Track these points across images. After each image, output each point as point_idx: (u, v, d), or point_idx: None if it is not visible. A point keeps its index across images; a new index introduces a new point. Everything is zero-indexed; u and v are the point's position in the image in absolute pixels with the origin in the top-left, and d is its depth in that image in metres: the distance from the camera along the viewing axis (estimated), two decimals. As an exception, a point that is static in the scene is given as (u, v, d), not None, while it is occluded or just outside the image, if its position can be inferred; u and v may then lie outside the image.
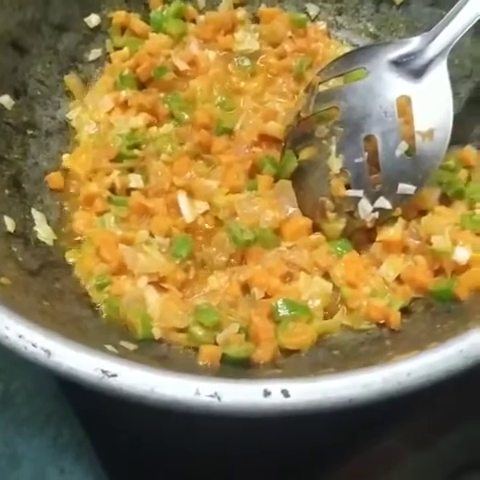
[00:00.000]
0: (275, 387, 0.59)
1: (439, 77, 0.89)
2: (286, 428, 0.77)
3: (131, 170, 0.99)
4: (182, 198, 0.93)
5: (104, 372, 0.60)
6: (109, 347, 0.73)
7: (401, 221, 0.89)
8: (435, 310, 0.84)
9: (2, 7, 0.99)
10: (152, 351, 0.81)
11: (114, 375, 0.60)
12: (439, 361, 0.62)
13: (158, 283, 0.87)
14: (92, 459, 0.86)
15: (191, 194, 0.95)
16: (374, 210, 0.89)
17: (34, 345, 0.62)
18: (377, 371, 0.61)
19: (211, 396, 0.59)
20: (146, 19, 1.13)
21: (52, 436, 0.86)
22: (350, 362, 0.77)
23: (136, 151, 0.99)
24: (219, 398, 0.59)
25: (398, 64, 0.91)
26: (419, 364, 0.61)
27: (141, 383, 0.60)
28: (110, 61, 1.11)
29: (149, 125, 1.03)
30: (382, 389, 0.60)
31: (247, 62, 1.11)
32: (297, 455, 0.87)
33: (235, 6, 1.17)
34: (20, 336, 0.63)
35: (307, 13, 1.17)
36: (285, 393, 0.59)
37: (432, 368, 0.61)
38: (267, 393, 0.59)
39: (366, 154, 0.90)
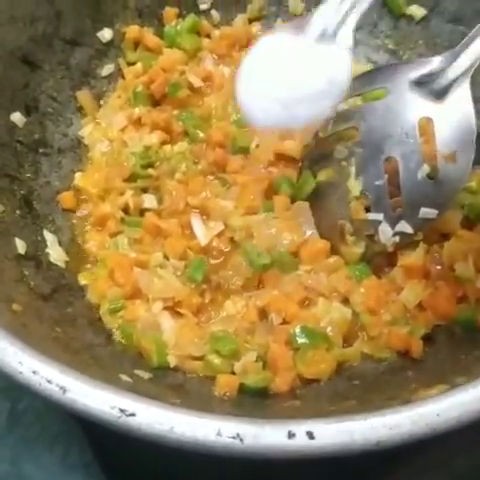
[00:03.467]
0: (300, 429, 0.57)
1: (462, 98, 0.86)
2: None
3: (145, 190, 0.97)
4: (196, 220, 0.92)
5: (122, 411, 0.58)
6: (123, 376, 0.71)
7: (422, 246, 0.87)
8: (458, 339, 0.82)
9: (13, 22, 0.97)
10: (167, 380, 0.79)
11: (132, 414, 0.58)
12: (470, 401, 0.59)
13: (173, 308, 0.85)
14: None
15: (206, 215, 0.93)
16: (395, 234, 0.87)
17: (49, 381, 0.60)
18: (405, 412, 0.58)
19: (233, 437, 0.57)
20: (160, 34, 1.12)
21: (60, 456, 0.84)
22: (372, 394, 0.75)
23: (150, 170, 0.97)
24: (241, 440, 0.57)
25: (419, 84, 0.88)
26: (449, 404, 0.59)
27: (160, 422, 0.58)
28: (123, 77, 1.10)
29: (163, 143, 1.02)
30: (411, 431, 0.57)
31: (263, 78, 1.09)
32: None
33: (250, 21, 1.16)
34: (34, 372, 0.61)
35: (324, 28, 1.15)
36: (310, 435, 0.56)
37: (462, 409, 0.59)
38: (291, 435, 0.57)
39: (386, 176, 0.88)
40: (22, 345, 0.63)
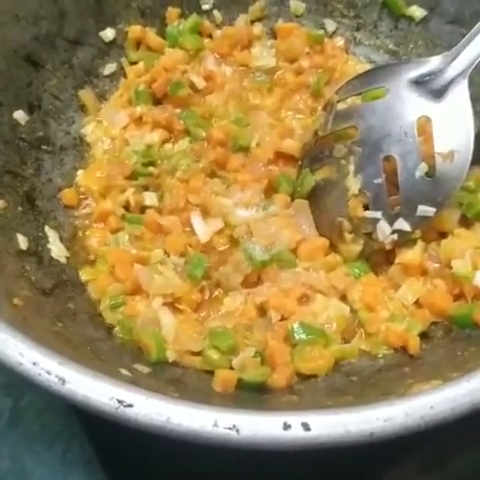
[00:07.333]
0: (295, 420, 0.58)
1: (460, 97, 0.88)
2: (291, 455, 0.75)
3: (145, 188, 0.98)
4: (195, 218, 0.93)
5: (120, 402, 0.59)
6: (123, 370, 0.72)
7: (420, 243, 0.88)
8: (455, 336, 0.83)
9: (17, 21, 0.98)
10: (166, 374, 0.79)
11: (130, 405, 0.59)
12: (463, 394, 0.60)
13: (173, 304, 0.86)
14: (101, 479, 0.85)
15: (206, 212, 0.94)
16: (393, 232, 0.88)
17: (48, 372, 0.61)
18: (399, 404, 0.59)
19: (229, 428, 0.57)
20: (162, 34, 1.13)
21: (61, 453, 0.85)
22: (368, 389, 0.75)
23: (151, 168, 0.98)
24: (238, 431, 0.57)
25: (418, 83, 0.89)
26: (442, 397, 0.60)
27: (157, 413, 0.59)
28: (125, 76, 1.11)
29: (164, 141, 1.02)
30: (404, 423, 0.58)
31: (264, 78, 1.10)
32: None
33: (252, 21, 1.16)
34: (34, 363, 0.62)
35: (325, 29, 1.16)
36: (305, 426, 0.57)
37: (455, 402, 0.59)
38: (287, 426, 0.57)
39: (385, 175, 0.88)
40: (23, 337, 0.64)
